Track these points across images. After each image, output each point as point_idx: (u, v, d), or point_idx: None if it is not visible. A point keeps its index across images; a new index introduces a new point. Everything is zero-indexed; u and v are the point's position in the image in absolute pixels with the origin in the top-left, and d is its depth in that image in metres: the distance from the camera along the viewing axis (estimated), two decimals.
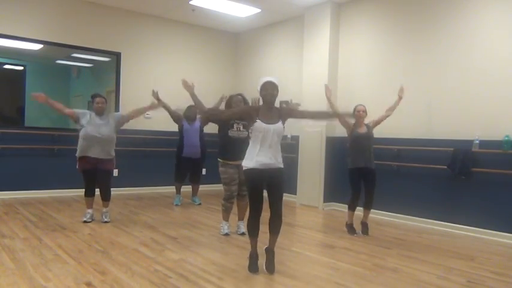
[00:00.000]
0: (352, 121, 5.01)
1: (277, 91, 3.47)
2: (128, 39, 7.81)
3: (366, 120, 5.08)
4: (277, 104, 3.61)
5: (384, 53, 6.35)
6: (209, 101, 7.64)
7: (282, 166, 3.53)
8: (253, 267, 3.50)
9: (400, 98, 5.18)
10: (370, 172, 5.00)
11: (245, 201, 4.72)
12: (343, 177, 6.64)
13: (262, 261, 3.57)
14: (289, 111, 3.66)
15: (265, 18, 7.95)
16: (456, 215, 5.36)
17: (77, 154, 5.00)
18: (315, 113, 3.93)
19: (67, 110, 5.04)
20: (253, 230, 3.53)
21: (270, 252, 3.55)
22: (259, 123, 3.41)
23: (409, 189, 5.83)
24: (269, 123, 3.41)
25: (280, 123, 3.46)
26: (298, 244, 4.56)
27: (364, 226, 5.12)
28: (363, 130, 5.00)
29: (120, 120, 5.21)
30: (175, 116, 6.49)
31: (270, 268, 3.48)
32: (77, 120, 5.00)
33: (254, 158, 3.44)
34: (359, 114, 4.99)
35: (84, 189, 5.17)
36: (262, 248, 3.63)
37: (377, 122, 5.10)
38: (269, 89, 3.43)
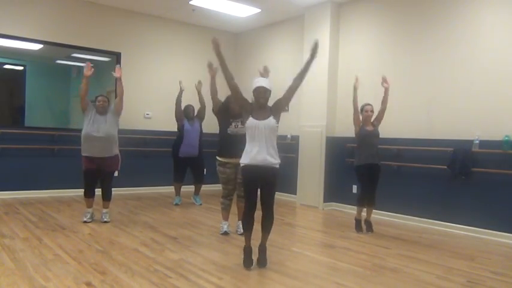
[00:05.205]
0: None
1: (270, 94, 3.64)
2: (128, 39, 7.81)
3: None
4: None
5: (383, 53, 6.35)
6: (210, 100, 7.64)
7: (276, 164, 3.57)
8: (247, 262, 3.58)
9: (386, 87, 5.16)
10: (376, 168, 5.08)
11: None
12: (343, 177, 6.66)
13: (255, 258, 3.63)
14: (277, 105, 3.63)
15: (265, 18, 7.95)
16: (456, 215, 5.36)
17: (82, 153, 5.04)
18: (291, 88, 3.76)
19: (85, 99, 5.03)
20: (247, 224, 3.63)
21: (261, 247, 3.63)
22: (250, 120, 3.55)
23: (409, 189, 5.83)
24: (260, 119, 3.53)
25: (271, 119, 3.55)
26: (298, 244, 4.56)
27: (368, 224, 5.17)
28: (370, 128, 5.11)
29: (115, 108, 5.17)
30: (179, 112, 6.49)
31: (262, 263, 3.58)
32: (85, 109, 5.03)
33: (249, 154, 3.55)
34: (367, 114, 5.10)
35: (83, 189, 5.17)
36: (256, 244, 3.68)
37: (379, 119, 5.16)
38: (261, 93, 3.60)
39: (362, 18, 6.70)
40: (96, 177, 5.13)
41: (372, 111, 5.11)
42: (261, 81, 3.62)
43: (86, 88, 5.01)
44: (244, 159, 3.58)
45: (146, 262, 3.63)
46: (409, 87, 5.98)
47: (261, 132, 3.51)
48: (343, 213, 6.44)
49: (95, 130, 4.96)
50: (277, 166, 3.58)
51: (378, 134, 5.12)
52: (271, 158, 3.53)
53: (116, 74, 5.13)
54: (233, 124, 4.60)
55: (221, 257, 3.91)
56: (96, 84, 7.73)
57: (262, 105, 3.61)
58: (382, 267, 3.75)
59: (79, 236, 4.46)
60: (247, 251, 3.64)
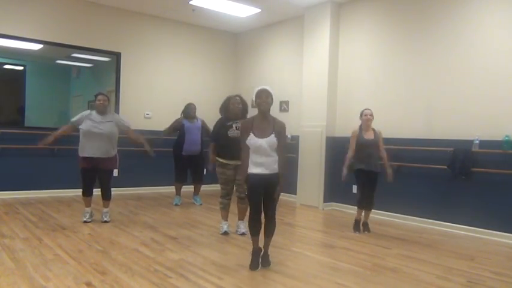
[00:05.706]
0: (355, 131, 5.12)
1: (272, 99, 3.58)
2: (128, 39, 7.81)
3: (374, 125, 5.13)
4: (276, 103, 3.70)
5: (384, 53, 6.35)
6: (210, 100, 7.66)
7: (278, 171, 3.57)
8: (254, 265, 3.58)
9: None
10: (375, 175, 5.07)
11: (245, 203, 4.72)
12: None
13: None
14: (280, 130, 3.57)
15: (265, 18, 7.95)
16: (456, 215, 5.36)
17: (80, 153, 5.02)
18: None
19: (66, 127, 5.12)
20: (254, 228, 3.61)
21: (264, 254, 3.66)
22: (252, 137, 3.49)
23: (409, 189, 5.83)
24: (261, 137, 3.48)
25: (272, 136, 3.50)
26: (298, 244, 4.56)
27: (365, 225, 5.21)
28: (370, 136, 5.06)
29: (122, 126, 5.19)
30: (174, 130, 6.55)
31: (265, 263, 3.62)
32: (76, 128, 5.02)
33: (253, 165, 3.54)
34: (366, 118, 5.06)
35: (81, 189, 5.16)
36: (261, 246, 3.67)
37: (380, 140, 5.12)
38: (263, 97, 3.53)
39: (362, 18, 6.70)
40: (94, 175, 5.10)
41: (372, 115, 5.06)
42: (263, 86, 3.59)
43: (61, 135, 5.14)
44: (250, 168, 3.56)
45: (146, 262, 3.63)
46: (409, 87, 5.98)
47: (263, 149, 3.49)
48: (343, 213, 6.44)
49: (97, 127, 4.94)
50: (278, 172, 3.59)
51: (377, 143, 5.07)
52: (273, 168, 3.54)
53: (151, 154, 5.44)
54: (234, 126, 4.58)
55: (221, 257, 3.91)
56: (96, 84, 7.76)
57: (264, 114, 3.56)
58: (382, 267, 3.76)
59: (79, 236, 4.45)
60: (256, 252, 3.64)
